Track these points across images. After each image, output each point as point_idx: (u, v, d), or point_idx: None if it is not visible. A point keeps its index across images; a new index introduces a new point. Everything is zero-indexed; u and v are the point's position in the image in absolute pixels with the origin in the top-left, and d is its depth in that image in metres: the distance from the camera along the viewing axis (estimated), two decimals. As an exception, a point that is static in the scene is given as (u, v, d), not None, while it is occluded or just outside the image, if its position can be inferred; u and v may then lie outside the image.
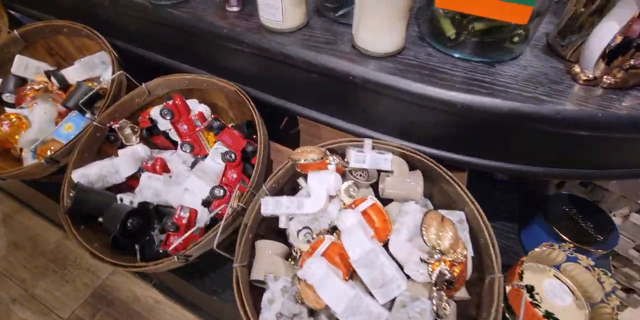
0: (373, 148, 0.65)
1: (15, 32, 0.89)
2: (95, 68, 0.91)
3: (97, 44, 0.89)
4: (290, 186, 0.70)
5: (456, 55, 0.60)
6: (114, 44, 0.85)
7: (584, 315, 0.68)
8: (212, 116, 0.71)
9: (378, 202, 0.61)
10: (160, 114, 0.71)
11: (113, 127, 0.75)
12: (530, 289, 0.71)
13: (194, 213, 0.60)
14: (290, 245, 0.65)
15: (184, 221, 0.58)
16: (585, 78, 0.55)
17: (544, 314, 0.66)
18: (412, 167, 0.66)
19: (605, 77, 0.54)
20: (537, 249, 0.68)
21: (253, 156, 0.73)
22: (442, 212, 0.63)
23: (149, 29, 0.79)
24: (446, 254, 0.50)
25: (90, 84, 0.91)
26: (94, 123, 0.74)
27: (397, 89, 0.57)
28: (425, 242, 0.51)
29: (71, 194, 0.65)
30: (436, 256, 0.51)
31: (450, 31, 0.59)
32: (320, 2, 0.68)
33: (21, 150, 0.86)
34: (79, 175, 0.67)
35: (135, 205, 0.66)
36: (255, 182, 0.63)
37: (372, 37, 0.57)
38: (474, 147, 0.64)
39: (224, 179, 0.66)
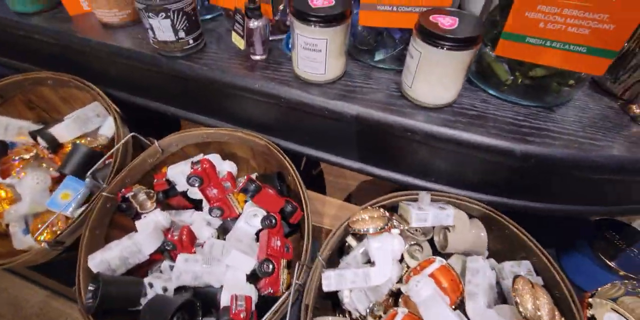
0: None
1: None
2: (89, 122, 0.80)
3: (89, 94, 0.78)
4: (337, 245, 0.64)
5: (512, 100, 0.57)
6: (107, 93, 0.75)
7: (646, 349, 0.66)
8: (246, 178, 0.64)
9: (446, 262, 0.57)
10: (188, 182, 0.62)
11: (126, 196, 0.66)
12: (592, 321, 0.69)
13: (249, 302, 0.52)
14: (344, 311, 0.59)
15: (243, 315, 0.49)
16: (647, 117, 0.54)
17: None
18: (469, 216, 0.63)
19: (665, 117, 0.53)
20: (605, 287, 0.66)
21: (291, 215, 0.66)
22: (508, 263, 0.59)
23: (157, 80, 0.71)
24: (546, 326, 0.46)
25: (84, 141, 0.80)
26: (104, 194, 0.65)
27: (459, 141, 0.53)
28: (523, 315, 0.47)
29: (91, 288, 0.55)
30: (536, 329, 0.46)
31: (505, 76, 0.55)
32: (354, 46, 0.62)
33: (7, 225, 0.73)
34: (97, 262, 0.57)
35: (170, 290, 0.57)
36: (308, 254, 0.56)
37: (430, 90, 0.53)
38: (527, 191, 0.62)
39: (268, 249, 0.59)
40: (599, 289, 0.66)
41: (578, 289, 0.63)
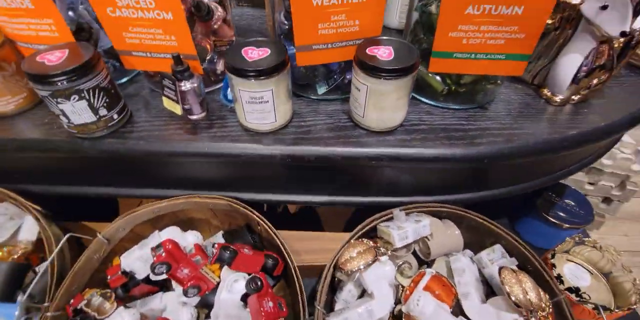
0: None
1: None
2: (1, 229, 0.66)
3: None
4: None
5: (451, 106, 0.61)
6: (19, 190, 0.63)
7: (605, 288, 0.77)
8: (217, 246, 0.58)
9: (435, 272, 0.59)
10: (154, 271, 0.54)
11: (78, 307, 0.55)
12: (558, 278, 0.78)
13: None
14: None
15: None
16: (559, 100, 0.62)
17: (580, 299, 0.72)
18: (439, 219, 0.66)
19: (572, 96, 0.62)
20: (559, 245, 0.75)
21: (274, 269, 0.62)
22: (484, 253, 0.64)
23: (82, 165, 0.61)
24: (539, 309, 0.51)
25: (1, 253, 0.66)
26: (48, 314, 0.53)
27: (420, 158, 0.55)
28: (517, 304, 0.51)
29: None
30: (534, 314, 0.51)
31: (440, 87, 0.60)
32: (294, 84, 0.61)
33: None
34: None
35: None
36: (303, 306, 0.53)
37: (382, 116, 0.54)
38: (479, 183, 0.68)
39: (263, 316, 0.54)
40: (555, 248, 0.75)
41: (539, 250, 0.72)
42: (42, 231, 0.61)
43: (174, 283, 0.63)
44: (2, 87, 0.56)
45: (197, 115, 0.57)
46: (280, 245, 0.59)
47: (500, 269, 0.55)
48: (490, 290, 0.62)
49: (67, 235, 0.59)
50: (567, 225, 0.85)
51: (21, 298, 0.56)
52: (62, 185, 0.66)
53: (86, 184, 0.66)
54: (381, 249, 0.56)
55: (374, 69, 0.48)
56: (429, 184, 0.65)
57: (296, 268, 0.56)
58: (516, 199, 0.99)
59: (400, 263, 0.62)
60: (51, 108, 0.50)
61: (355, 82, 0.51)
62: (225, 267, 0.63)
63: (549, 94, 0.63)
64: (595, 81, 0.60)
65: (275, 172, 0.63)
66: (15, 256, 0.66)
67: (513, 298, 0.52)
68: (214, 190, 0.65)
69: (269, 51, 0.49)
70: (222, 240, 0.69)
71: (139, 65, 0.57)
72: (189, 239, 0.64)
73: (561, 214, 0.87)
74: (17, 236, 0.67)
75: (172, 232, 0.65)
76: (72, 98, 0.49)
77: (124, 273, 0.61)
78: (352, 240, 0.59)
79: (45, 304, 0.55)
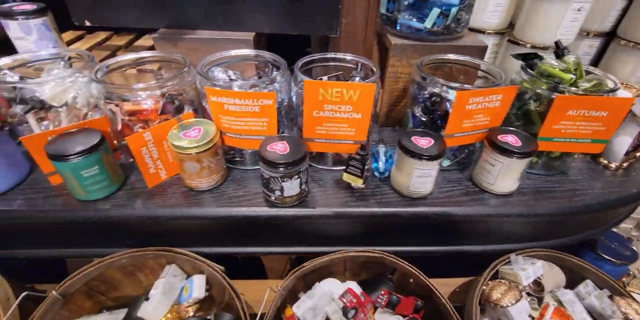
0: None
1: None
2: (174, 290, 0.75)
3: (163, 259, 0.75)
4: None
5: (541, 173, 0.82)
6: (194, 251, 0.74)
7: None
8: (384, 293, 0.70)
9: (557, 304, 0.74)
10: (346, 316, 0.65)
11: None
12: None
13: None
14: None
15: None
16: (614, 166, 0.84)
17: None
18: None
19: (623, 164, 0.84)
20: (629, 275, 0.92)
21: (420, 310, 0.74)
22: (580, 287, 0.80)
23: (256, 229, 0.74)
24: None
25: (172, 315, 0.75)
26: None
27: (534, 213, 0.73)
28: None
29: None
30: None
31: (535, 159, 0.80)
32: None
33: None
34: None
35: None
36: None
37: (508, 184, 0.73)
38: (553, 234, 0.86)
39: None
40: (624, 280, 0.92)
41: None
42: (227, 286, 0.71)
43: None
44: (214, 168, 0.70)
45: (362, 185, 0.74)
46: (433, 288, 0.72)
47: (610, 296, 0.71)
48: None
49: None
50: (619, 262, 1.02)
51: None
52: (237, 246, 0.78)
53: (262, 244, 0.79)
54: (519, 287, 0.71)
55: (509, 152, 0.67)
56: (531, 234, 0.82)
57: (451, 308, 0.69)
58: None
59: (528, 298, 0.76)
60: (272, 185, 0.65)
61: (490, 159, 0.71)
62: (379, 310, 0.75)
63: (605, 162, 0.85)
64: (638, 154, 0.83)
65: (403, 226, 0.78)
66: (188, 316, 0.75)
67: (631, 317, 0.67)
68: (360, 245, 0.78)
69: (432, 141, 0.68)
70: (357, 288, 0.81)
71: (318, 149, 0.74)
72: (353, 287, 0.76)
73: (612, 252, 1.05)
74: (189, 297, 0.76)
75: (332, 283, 0.76)
76: (294, 177, 0.64)
77: (297, 321, 0.71)
78: (495, 281, 0.74)
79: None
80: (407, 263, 0.76)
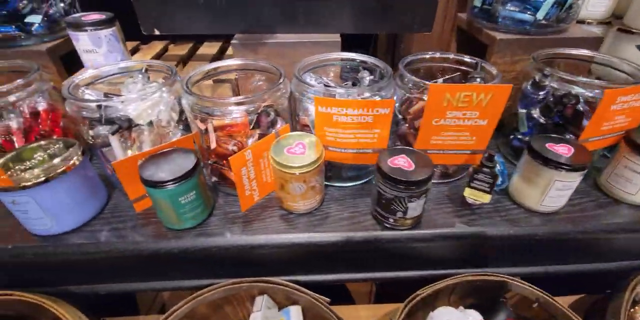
0: None
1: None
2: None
3: (256, 290, 0.67)
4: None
5: None
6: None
7: None
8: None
9: None
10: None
11: None
12: None
13: None
14: None
15: None
16: None
17: None
18: None
19: None
20: None
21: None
22: None
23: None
24: None
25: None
26: None
27: None
28: None
29: None
30: None
31: None
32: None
33: None
34: None
35: None
36: None
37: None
38: None
39: None
40: None
41: None
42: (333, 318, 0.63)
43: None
44: (318, 188, 0.62)
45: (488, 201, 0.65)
46: (570, 314, 0.62)
47: None
48: None
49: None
50: None
51: None
52: (341, 273, 0.70)
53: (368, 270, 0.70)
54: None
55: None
56: None
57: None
58: None
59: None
60: (394, 206, 0.57)
61: (632, 165, 0.61)
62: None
63: None
64: None
65: (528, 246, 0.69)
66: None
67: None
68: (467, 266, 0.70)
69: (572, 148, 0.59)
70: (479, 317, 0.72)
71: (347, 160, 0.65)
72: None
73: None
74: (285, 329, 0.68)
75: (449, 311, 0.68)
76: (421, 197, 0.56)
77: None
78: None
79: None
80: (534, 286, 0.67)
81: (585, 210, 0.65)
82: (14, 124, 0.67)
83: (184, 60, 0.91)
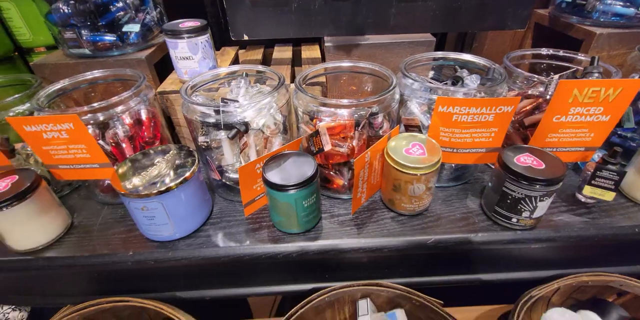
0: None
1: None
2: None
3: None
4: None
5: None
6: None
7: None
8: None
9: None
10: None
11: None
12: None
13: None
14: None
15: None
16: None
17: None
18: None
19: None
20: None
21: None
22: None
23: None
24: None
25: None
26: None
27: None
28: None
29: None
30: None
31: None
32: None
33: None
34: None
35: None
36: None
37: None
38: None
39: None
40: None
41: None
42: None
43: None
44: (433, 189, 0.62)
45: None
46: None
47: None
48: None
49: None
50: None
51: None
52: (447, 275, 0.69)
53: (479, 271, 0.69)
54: None
55: None
56: None
57: None
58: None
59: None
60: (522, 206, 0.56)
61: None
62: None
63: None
64: None
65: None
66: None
67: None
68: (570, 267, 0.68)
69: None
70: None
71: (458, 160, 0.64)
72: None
73: None
74: (395, 333, 0.67)
75: (559, 312, 0.66)
76: (552, 196, 0.55)
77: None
78: None
79: None
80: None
81: None
82: (120, 131, 0.68)
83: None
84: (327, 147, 0.62)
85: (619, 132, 0.73)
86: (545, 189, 0.53)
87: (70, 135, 0.58)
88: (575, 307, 0.73)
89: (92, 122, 0.61)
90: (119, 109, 0.64)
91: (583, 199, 0.65)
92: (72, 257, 0.60)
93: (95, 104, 0.60)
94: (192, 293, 0.69)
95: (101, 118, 0.61)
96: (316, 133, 0.62)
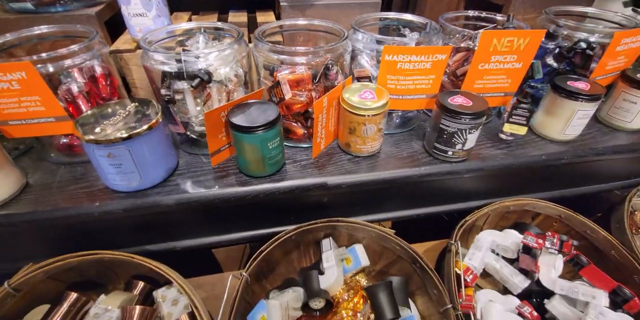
0: None
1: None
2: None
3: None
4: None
5: None
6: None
7: None
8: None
9: None
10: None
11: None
12: None
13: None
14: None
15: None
16: None
17: None
18: None
19: None
20: None
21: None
22: None
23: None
24: None
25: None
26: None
27: None
28: None
29: None
30: None
31: None
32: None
33: None
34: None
35: None
36: None
37: None
38: None
39: None
40: None
41: None
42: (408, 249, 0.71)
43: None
44: (382, 131, 0.70)
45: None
46: (591, 224, 0.76)
47: None
48: None
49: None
50: None
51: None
52: (397, 210, 0.78)
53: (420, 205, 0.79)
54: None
55: None
56: None
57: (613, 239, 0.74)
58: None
59: None
60: (455, 139, 0.66)
61: (630, 97, 0.75)
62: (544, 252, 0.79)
63: None
64: None
65: (546, 172, 0.82)
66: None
67: None
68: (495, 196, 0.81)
69: (588, 84, 0.71)
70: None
71: (403, 106, 0.74)
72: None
73: None
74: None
75: (492, 233, 0.79)
76: (479, 128, 0.65)
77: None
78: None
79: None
80: (558, 205, 0.80)
81: (596, 138, 0.78)
82: (75, 87, 0.66)
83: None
84: (288, 96, 0.67)
85: (531, 84, 0.87)
86: (473, 122, 0.64)
87: (22, 86, 0.56)
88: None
89: (43, 74, 0.59)
90: (70, 61, 0.62)
91: (504, 137, 0.77)
92: (32, 212, 0.59)
93: (43, 55, 0.58)
94: (161, 246, 0.71)
95: (51, 70, 0.60)
96: (277, 84, 0.67)
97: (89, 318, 0.63)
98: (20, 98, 0.58)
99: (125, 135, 0.56)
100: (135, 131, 0.56)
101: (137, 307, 0.62)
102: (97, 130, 0.57)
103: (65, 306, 0.64)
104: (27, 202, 0.61)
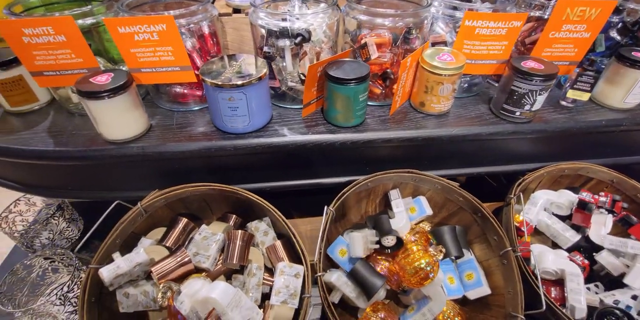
0: None
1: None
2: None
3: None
4: None
5: None
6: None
7: None
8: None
9: None
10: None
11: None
12: None
13: None
14: None
15: None
16: None
17: None
18: None
19: None
20: None
21: None
22: None
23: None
24: None
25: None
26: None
27: None
28: None
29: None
30: None
31: None
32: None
33: None
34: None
35: None
36: None
37: None
38: None
39: None
40: None
41: None
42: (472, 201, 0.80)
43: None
44: (455, 92, 0.77)
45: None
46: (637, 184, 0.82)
47: None
48: None
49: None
50: None
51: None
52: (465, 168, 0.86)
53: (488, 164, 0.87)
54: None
55: None
56: None
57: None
58: None
59: None
60: (525, 100, 0.73)
61: None
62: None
63: None
64: None
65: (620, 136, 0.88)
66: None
67: None
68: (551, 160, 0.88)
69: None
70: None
71: (477, 70, 0.81)
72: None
73: None
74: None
75: (546, 193, 0.86)
76: (548, 90, 0.72)
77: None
78: None
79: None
80: (611, 170, 0.86)
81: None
82: (189, 44, 0.77)
83: None
84: (374, 55, 0.75)
85: (592, 57, 0.92)
86: (543, 84, 0.70)
87: (160, 37, 0.67)
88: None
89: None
90: (185, 20, 0.72)
91: (565, 104, 0.84)
92: (161, 144, 0.71)
93: (176, 11, 0.69)
94: (254, 185, 0.82)
95: (184, 23, 0.70)
96: (364, 45, 0.75)
97: (198, 239, 0.75)
98: (155, 48, 0.69)
99: (245, 81, 0.66)
100: (251, 79, 0.66)
101: (240, 231, 0.74)
102: (221, 77, 0.67)
103: (179, 228, 0.76)
104: (156, 138, 0.72)
